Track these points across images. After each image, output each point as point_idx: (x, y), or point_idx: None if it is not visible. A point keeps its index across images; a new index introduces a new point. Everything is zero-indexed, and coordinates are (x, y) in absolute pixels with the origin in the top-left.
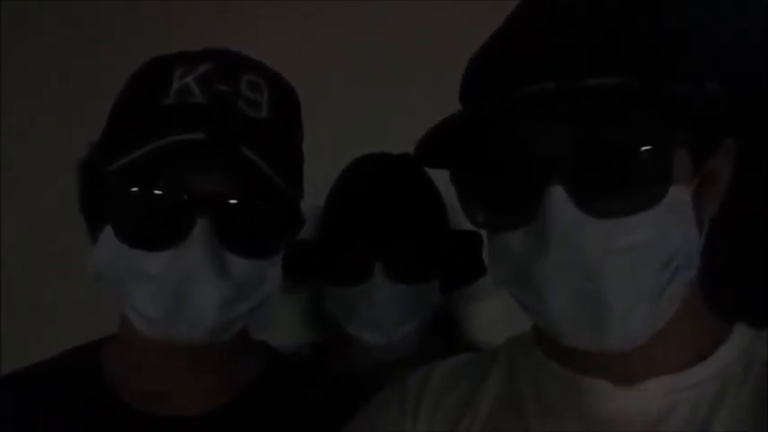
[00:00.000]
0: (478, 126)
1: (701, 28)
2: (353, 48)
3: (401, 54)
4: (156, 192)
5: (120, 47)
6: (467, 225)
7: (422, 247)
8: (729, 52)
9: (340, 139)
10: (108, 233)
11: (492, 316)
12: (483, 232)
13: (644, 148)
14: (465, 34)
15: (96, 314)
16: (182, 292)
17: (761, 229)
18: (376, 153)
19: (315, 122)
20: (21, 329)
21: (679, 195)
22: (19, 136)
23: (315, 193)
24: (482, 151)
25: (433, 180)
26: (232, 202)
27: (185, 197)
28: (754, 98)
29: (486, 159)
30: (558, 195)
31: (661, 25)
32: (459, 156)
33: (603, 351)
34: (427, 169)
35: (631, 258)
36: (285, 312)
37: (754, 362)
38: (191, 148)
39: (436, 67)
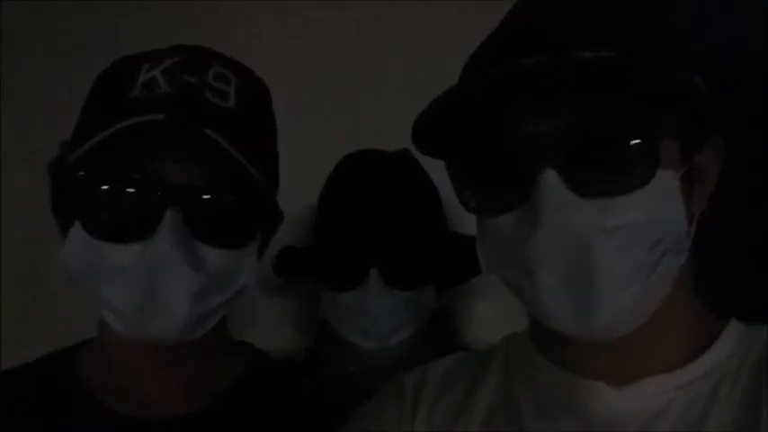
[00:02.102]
0: (472, 107)
1: (696, 26)
2: (353, 48)
3: (401, 54)
4: (122, 181)
5: (121, 49)
6: (463, 223)
7: (418, 252)
8: (721, 55)
9: (339, 138)
10: (76, 228)
11: (486, 315)
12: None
13: (634, 132)
14: (465, 35)
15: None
16: (153, 284)
17: (753, 226)
18: (368, 150)
19: (314, 122)
20: (19, 331)
21: (667, 179)
22: (19, 136)
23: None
24: (475, 135)
25: (429, 178)
26: (201, 190)
27: (153, 187)
28: (743, 99)
29: (479, 143)
30: (550, 178)
31: (658, 15)
32: (453, 140)
33: (589, 336)
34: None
35: (621, 238)
36: (276, 315)
37: (747, 358)
38: (150, 129)
39: (437, 67)
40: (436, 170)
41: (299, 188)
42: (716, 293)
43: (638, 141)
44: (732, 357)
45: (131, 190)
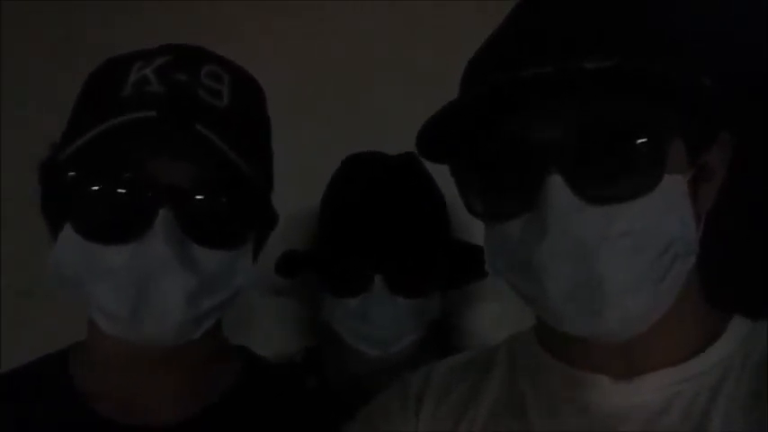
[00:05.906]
0: (476, 115)
1: (699, 24)
2: (353, 48)
3: (401, 54)
4: (114, 181)
5: (121, 50)
6: (466, 228)
7: (423, 260)
8: (726, 51)
9: (339, 138)
10: (67, 229)
11: (487, 318)
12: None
13: (639, 136)
14: (465, 35)
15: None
16: (146, 285)
17: (758, 222)
18: (372, 153)
19: (314, 123)
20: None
21: (674, 184)
22: (19, 137)
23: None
24: (480, 141)
25: (434, 183)
26: (195, 190)
27: (146, 187)
28: (751, 96)
29: (485, 149)
30: (556, 183)
31: (660, 17)
32: (458, 146)
33: (600, 338)
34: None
35: (628, 245)
36: (275, 318)
37: (751, 353)
38: (141, 127)
39: (437, 67)
40: (441, 174)
41: (298, 189)
42: (721, 289)
43: (643, 145)
44: (736, 353)
45: (123, 190)
